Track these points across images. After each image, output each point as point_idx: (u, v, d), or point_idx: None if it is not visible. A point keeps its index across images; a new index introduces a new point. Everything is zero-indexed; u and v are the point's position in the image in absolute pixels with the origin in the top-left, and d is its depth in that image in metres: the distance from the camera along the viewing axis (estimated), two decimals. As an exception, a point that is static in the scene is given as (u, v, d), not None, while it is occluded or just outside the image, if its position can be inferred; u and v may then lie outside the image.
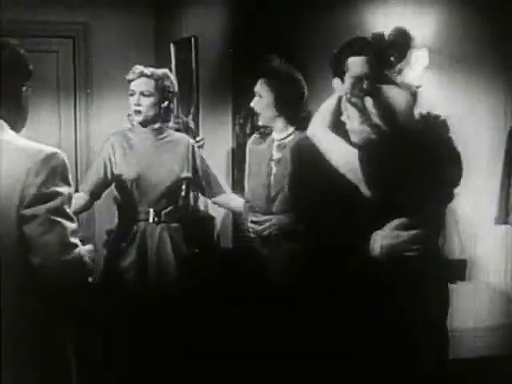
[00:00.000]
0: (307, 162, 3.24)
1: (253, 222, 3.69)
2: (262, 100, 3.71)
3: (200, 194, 4.32)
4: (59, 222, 2.14)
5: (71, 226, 2.18)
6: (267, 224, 3.65)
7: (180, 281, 3.89)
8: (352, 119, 2.77)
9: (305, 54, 4.19)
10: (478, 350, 4.56)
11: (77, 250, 2.18)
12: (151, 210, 3.90)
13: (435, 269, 2.81)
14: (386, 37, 2.79)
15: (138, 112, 3.92)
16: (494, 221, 5.06)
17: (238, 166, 4.87)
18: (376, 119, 2.71)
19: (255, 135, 3.92)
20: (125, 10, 5.95)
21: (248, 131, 4.42)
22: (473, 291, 4.34)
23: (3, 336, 2.12)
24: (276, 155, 3.74)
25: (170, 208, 3.93)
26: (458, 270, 3.00)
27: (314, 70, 3.80)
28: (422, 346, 2.79)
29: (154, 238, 3.89)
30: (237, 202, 4.04)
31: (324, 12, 4.25)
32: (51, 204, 2.13)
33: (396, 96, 2.72)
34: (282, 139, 3.73)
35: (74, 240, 2.18)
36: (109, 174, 3.93)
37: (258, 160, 3.78)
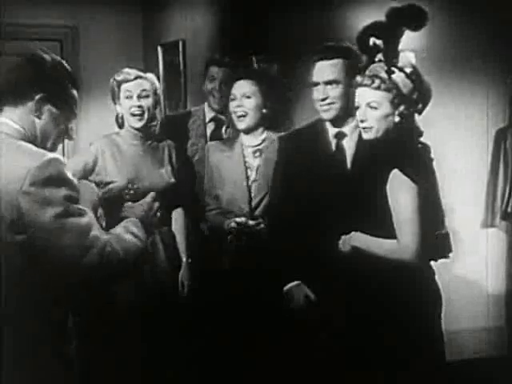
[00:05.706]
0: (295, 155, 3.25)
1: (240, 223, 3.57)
2: (250, 101, 3.61)
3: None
4: (71, 222, 2.08)
5: (84, 220, 2.11)
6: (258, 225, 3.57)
7: (174, 285, 3.80)
8: (381, 107, 2.78)
9: (291, 56, 4.20)
10: (463, 353, 4.58)
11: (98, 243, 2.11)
12: None
13: None
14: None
15: (140, 115, 3.70)
16: (481, 224, 5.08)
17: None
18: (407, 90, 2.77)
19: (216, 143, 3.78)
20: (112, 13, 5.96)
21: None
22: (456, 294, 4.36)
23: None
24: (253, 162, 3.64)
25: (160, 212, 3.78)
26: (443, 245, 2.99)
27: (301, 73, 3.78)
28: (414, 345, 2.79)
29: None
30: None
31: (311, 13, 4.26)
32: (56, 210, 2.05)
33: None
34: (257, 145, 3.65)
35: (94, 232, 2.12)
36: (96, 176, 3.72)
37: (230, 168, 3.66)
